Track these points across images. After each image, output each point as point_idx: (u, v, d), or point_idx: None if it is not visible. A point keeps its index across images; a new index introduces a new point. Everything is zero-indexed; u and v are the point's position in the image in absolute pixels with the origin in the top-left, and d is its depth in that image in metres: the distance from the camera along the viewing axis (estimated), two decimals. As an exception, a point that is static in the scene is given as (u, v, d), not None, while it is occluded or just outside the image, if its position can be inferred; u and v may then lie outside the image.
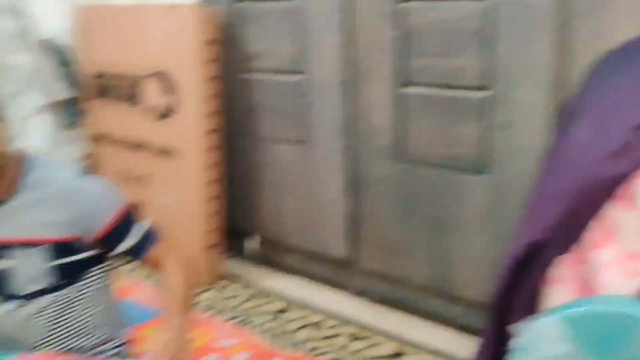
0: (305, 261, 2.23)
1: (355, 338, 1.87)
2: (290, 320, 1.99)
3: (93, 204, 1.08)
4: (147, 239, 1.14)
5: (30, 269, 1.04)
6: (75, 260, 1.08)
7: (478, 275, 1.74)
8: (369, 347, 1.82)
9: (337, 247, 2.08)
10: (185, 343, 1.02)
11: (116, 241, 1.12)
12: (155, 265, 1.15)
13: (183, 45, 2.09)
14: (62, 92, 2.43)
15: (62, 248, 1.06)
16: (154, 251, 1.14)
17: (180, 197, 2.22)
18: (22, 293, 1.04)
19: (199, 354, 1.29)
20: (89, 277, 1.12)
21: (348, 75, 1.91)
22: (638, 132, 0.77)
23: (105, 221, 1.09)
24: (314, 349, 1.83)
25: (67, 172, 1.10)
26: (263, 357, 1.47)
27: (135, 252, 1.14)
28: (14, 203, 1.03)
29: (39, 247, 1.04)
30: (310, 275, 2.21)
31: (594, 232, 0.80)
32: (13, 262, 1.03)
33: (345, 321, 1.95)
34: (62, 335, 1.09)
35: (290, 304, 2.08)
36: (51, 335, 1.08)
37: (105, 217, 1.09)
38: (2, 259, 1.04)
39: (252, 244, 2.36)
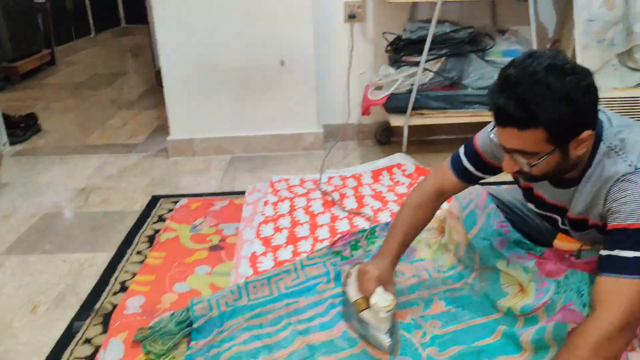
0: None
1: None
2: None
3: (617, 203, 1.06)
4: (622, 267, 1.02)
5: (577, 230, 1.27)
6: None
7: None
8: None
9: None
10: None
11: (609, 242, 1.07)
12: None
13: None
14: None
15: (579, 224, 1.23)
16: (607, 285, 1.03)
17: None
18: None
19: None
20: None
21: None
22: None
23: (614, 222, 1.06)
24: None
25: (627, 162, 1.08)
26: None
27: (603, 262, 1.05)
28: (579, 188, 1.17)
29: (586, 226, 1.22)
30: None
31: None
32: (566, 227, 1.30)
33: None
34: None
35: None
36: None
37: (616, 220, 1.06)
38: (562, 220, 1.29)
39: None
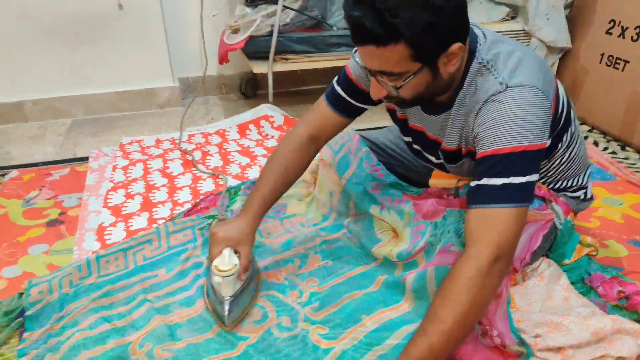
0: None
1: None
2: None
3: (484, 127, 0.97)
4: (490, 197, 0.95)
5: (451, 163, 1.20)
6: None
7: None
8: None
9: None
10: None
11: (477, 172, 0.98)
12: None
13: None
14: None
15: (453, 156, 1.16)
16: (476, 218, 0.96)
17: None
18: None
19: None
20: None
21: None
22: None
23: (482, 149, 0.97)
24: None
25: (498, 79, 0.98)
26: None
27: (472, 193, 0.98)
28: (452, 113, 1.07)
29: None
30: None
31: None
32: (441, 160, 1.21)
33: None
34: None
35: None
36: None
37: (483, 146, 0.97)
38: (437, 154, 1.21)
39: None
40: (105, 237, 1.46)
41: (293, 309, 1.18)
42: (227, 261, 1.11)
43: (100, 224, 1.52)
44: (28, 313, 1.18)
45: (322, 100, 1.24)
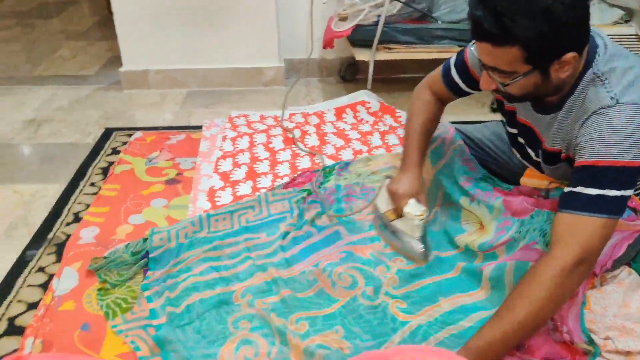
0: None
1: None
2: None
3: (588, 137, 1.00)
4: (583, 205, 0.98)
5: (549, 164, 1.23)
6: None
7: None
8: None
9: None
10: None
11: (574, 179, 1.02)
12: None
13: None
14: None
15: (552, 157, 1.19)
16: (566, 222, 1.00)
17: None
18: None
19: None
20: None
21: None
22: None
23: (582, 159, 1.01)
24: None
25: (610, 94, 0.99)
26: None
27: (565, 198, 1.02)
28: (559, 116, 1.10)
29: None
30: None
31: None
32: (539, 159, 1.25)
33: None
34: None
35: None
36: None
37: (584, 156, 1.01)
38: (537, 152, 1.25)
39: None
40: (215, 199, 1.65)
41: (380, 280, 1.29)
42: (416, 208, 1.32)
43: (211, 187, 1.71)
44: (151, 255, 1.38)
45: (439, 71, 1.37)
